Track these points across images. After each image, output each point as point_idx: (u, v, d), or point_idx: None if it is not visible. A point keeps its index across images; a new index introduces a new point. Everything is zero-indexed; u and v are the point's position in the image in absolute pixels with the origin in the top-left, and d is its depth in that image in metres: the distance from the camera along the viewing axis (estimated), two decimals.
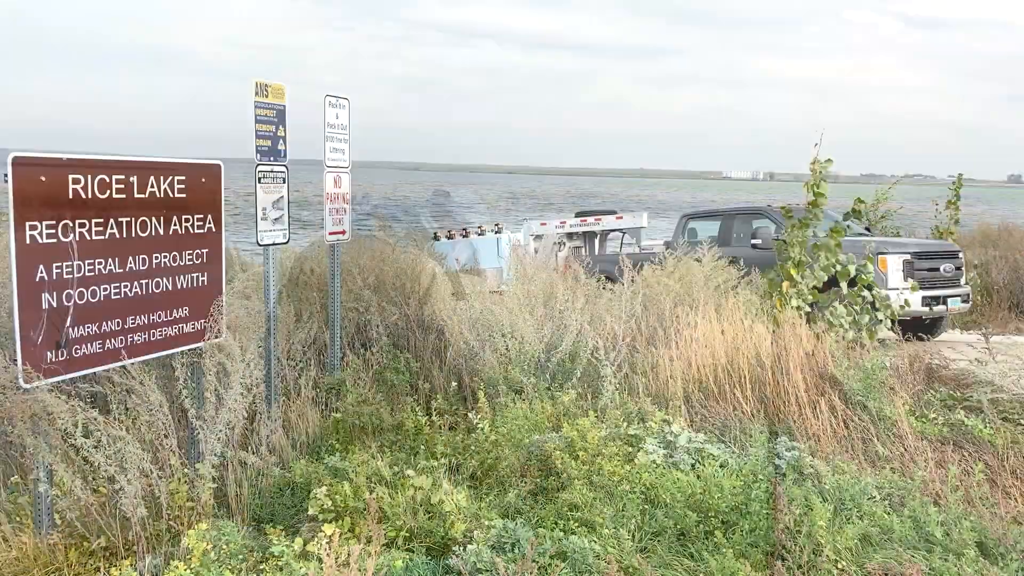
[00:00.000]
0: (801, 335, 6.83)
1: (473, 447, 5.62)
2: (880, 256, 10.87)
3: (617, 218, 15.71)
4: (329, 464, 5.24)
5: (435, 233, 16.78)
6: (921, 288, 10.77)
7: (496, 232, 16.28)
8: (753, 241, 11.90)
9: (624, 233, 15.85)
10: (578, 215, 16.75)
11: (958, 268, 12.11)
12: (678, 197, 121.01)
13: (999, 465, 5.74)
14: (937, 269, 11.52)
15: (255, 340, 6.21)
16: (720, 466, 5.37)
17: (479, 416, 6.01)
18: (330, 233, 6.75)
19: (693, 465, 5.39)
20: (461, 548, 4.08)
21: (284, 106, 6.03)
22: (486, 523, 4.36)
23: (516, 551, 3.93)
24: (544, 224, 16.46)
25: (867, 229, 14.03)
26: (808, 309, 8.82)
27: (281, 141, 6.05)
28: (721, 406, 6.45)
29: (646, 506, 4.83)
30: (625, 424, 5.84)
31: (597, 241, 16.06)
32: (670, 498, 4.64)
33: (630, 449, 5.60)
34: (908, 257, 11.28)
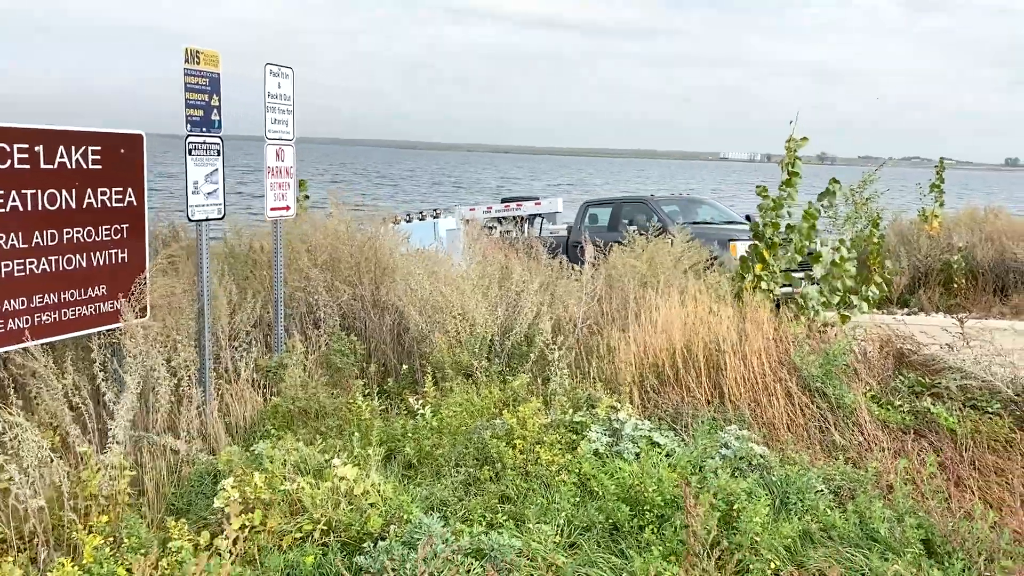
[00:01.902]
0: (762, 319, 6.57)
1: (411, 434, 5.38)
2: (731, 242, 11.73)
3: (536, 204, 16.71)
4: (255, 451, 4.99)
5: (409, 214, 17.48)
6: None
7: (434, 217, 16.93)
8: (631, 227, 12.67)
9: (543, 218, 16.67)
10: (503, 201, 17.74)
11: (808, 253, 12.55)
12: (671, 179, 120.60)
13: (959, 455, 5.51)
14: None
15: (188, 320, 5.96)
16: (666, 455, 5.13)
17: (420, 401, 5.76)
18: (272, 209, 6.45)
19: (638, 454, 5.16)
20: (371, 545, 3.83)
21: (218, 74, 5.73)
22: (405, 517, 4.11)
23: (430, 548, 3.68)
24: (473, 209, 17.36)
25: (747, 218, 14.83)
26: (779, 293, 8.58)
27: (215, 111, 5.75)
28: (676, 392, 6.21)
29: (585, 498, 4.60)
30: (572, 411, 5.59)
31: (526, 225, 16.70)
32: (602, 490, 4.39)
33: (575, 437, 5.36)
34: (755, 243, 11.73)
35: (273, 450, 4.98)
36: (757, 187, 9.22)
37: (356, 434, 5.28)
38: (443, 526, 3.94)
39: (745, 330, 6.48)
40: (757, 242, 8.86)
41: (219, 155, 5.82)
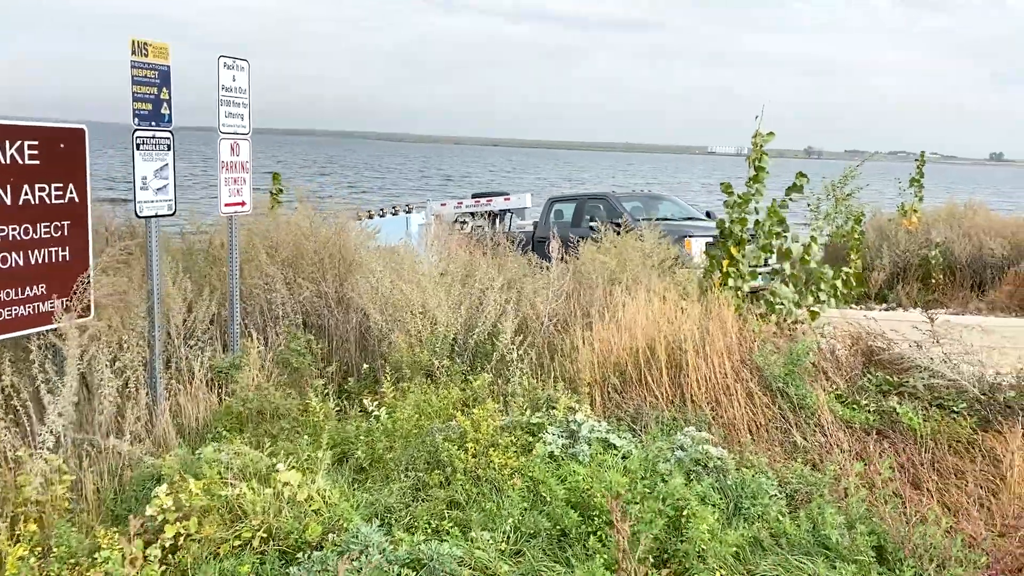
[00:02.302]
0: (726, 317, 6.48)
1: (363, 437, 5.26)
2: (686, 239, 12.01)
3: (506, 199, 16.94)
4: (201, 455, 4.87)
5: (382, 209, 17.65)
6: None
7: (406, 212, 17.23)
8: (590, 223, 13.00)
9: (511, 213, 16.93)
10: (474, 196, 18.02)
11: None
12: (662, 172, 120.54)
13: (920, 457, 5.43)
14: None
15: (139, 318, 5.82)
16: (622, 457, 5.04)
17: (374, 403, 5.64)
18: (226, 204, 6.31)
19: (594, 456, 5.06)
20: (307, 555, 3.72)
21: (168, 67, 5.58)
22: (345, 525, 4.00)
23: (364, 558, 3.58)
24: (444, 205, 17.69)
25: (707, 214, 15.42)
26: (747, 290, 8.50)
27: (165, 104, 5.61)
28: (638, 392, 6.11)
29: (537, 503, 4.49)
30: (529, 412, 5.48)
31: (498, 220, 16.95)
32: (550, 495, 4.29)
33: (531, 439, 5.26)
34: (709, 239, 12.02)
35: (219, 453, 4.87)
36: (722, 184, 9.13)
37: (305, 437, 5.17)
38: (384, 534, 3.83)
39: (708, 329, 6.38)
40: (725, 239, 8.77)
41: (170, 150, 5.68)
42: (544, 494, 4.34)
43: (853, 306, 15.85)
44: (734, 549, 3.85)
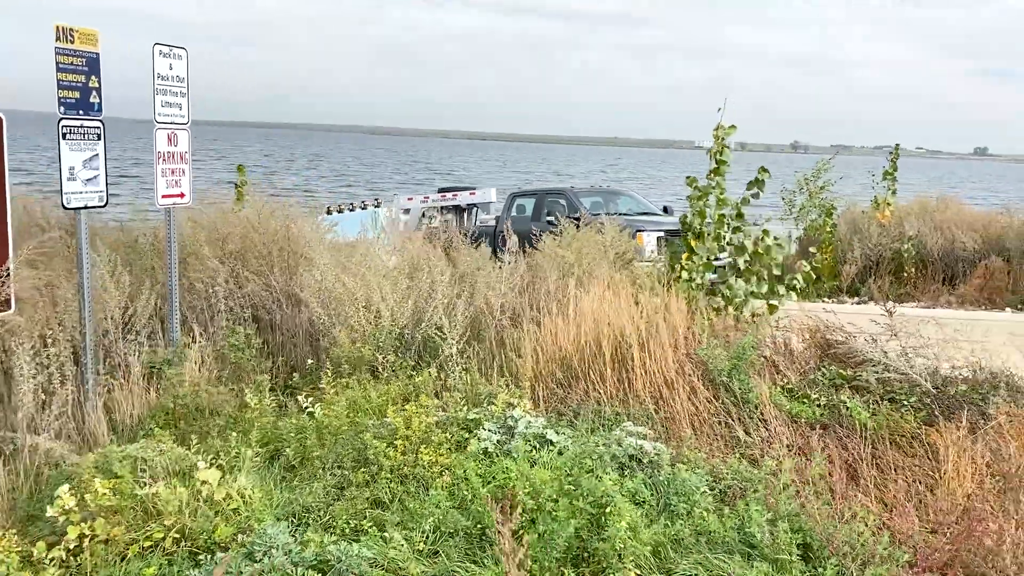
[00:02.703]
0: (675, 310, 6.39)
1: (295, 434, 5.15)
2: (638, 233, 12.17)
3: (471, 194, 17.02)
4: (126, 452, 4.74)
5: (328, 208, 17.60)
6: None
7: (375, 206, 17.14)
8: (548, 218, 13.15)
9: (477, 207, 17.05)
10: (440, 191, 18.17)
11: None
12: (644, 167, 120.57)
13: (862, 452, 5.35)
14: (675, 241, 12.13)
15: (73, 312, 5.69)
16: (558, 453, 4.94)
17: (309, 399, 5.53)
18: (163, 196, 6.17)
19: (528, 453, 4.96)
20: (208, 557, 3.61)
21: (96, 54, 5.44)
22: (255, 525, 3.89)
23: (267, 560, 3.46)
24: (411, 199, 17.76)
25: (664, 209, 15.76)
26: (707, 284, 8.42)
27: (94, 93, 5.46)
28: (584, 386, 6.01)
29: (464, 501, 4.39)
30: (468, 407, 5.38)
31: (466, 214, 17.05)
32: (471, 493, 4.19)
33: (468, 435, 5.15)
34: (661, 234, 12.67)
35: (144, 451, 4.75)
36: (687, 177, 9.04)
37: (233, 434, 5.05)
38: (292, 535, 3.72)
39: (656, 322, 6.29)
40: (686, 232, 8.69)
41: (100, 139, 5.54)
42: (465, 493, 4.23)
43: (826, 299, 15.85)
44: (652, 547, 3.76)
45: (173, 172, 6.21)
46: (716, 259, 8.69)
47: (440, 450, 4.87)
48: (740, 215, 8.62)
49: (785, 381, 6.83)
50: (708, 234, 8.42)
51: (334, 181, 59.63)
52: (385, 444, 4.76)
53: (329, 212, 17.95)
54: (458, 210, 16.91)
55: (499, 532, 2.77)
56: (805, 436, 5.59)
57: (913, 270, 15.62)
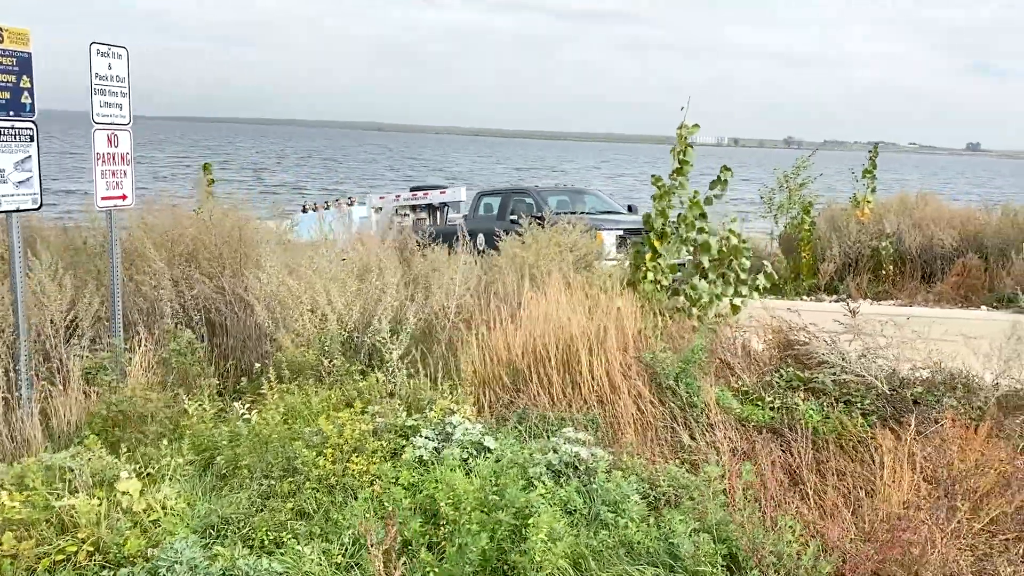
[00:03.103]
0: (626, 313, 6.30)
1: (227, 442, 5.05)
2: (598, 232, 12.13)
3: (442, 192, 17.11)
4: (53, 461, 4.64)
5: (326, 203, 18.46)
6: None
7: (348, 205, 17.69)
8: (511, 217, 13.37)
9: (447, 206, 17.15)
10: (412, 189, 18.18)
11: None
12: (646, 163, 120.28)
13: (805, 457, 5.27)
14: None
15: (7, 317, 5.59)
16: (495, 461, 4.85)
17: (245, 404, 5.43)
18: (103, 198, 6.05)
19: (466, 460, 4.87)
20: (111, 572, 3.52)
21: (28, 53, 5.33)
22: (165, 538, 3.80)
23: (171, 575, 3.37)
24: (383, 198, 17.93)
25: (629, 208, 15.89)
26: (667, 283, 8.35)
27: (26, 93, 5.35)
28: (532, 390, 5.92)
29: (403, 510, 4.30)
30: (407, 414, 5.29)
31: (439, 213, 17.11)
32: (392, 504, 4.10)
33: (405, 443, 5.06)
34: (620, 232, 12.85)
35: (74, 459, 4.65)
36: (652, 176, 8.95)
37: (164, 441, 4.96)
38: (203, 549, 3.63)
39: (606, 325, 6.21)
40: (649, 232, 8.61)
41: (32, 141, 5.43)
42: (386, 503, 4.14)
43: (804, 298, 15.79)
44: (572, 559, 3.67)
45: (114, 174, 6.10)
46: (679, 259, 8.62)
47: (373, 458, 4.79)
48: (703, 214, 8.54)
49: (740, 383, 6.76)
50: (671, 234, 8.34)
51: (326, 179, 59.51)
52: (315, 453, 4.67)
53: (304, 210, 18.16)
54: (431, 209, 16.93)
55: (371, 555, 2.68)
56: (751, 441, 5.51)
57: (891, 268, 15.55)
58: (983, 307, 13.73)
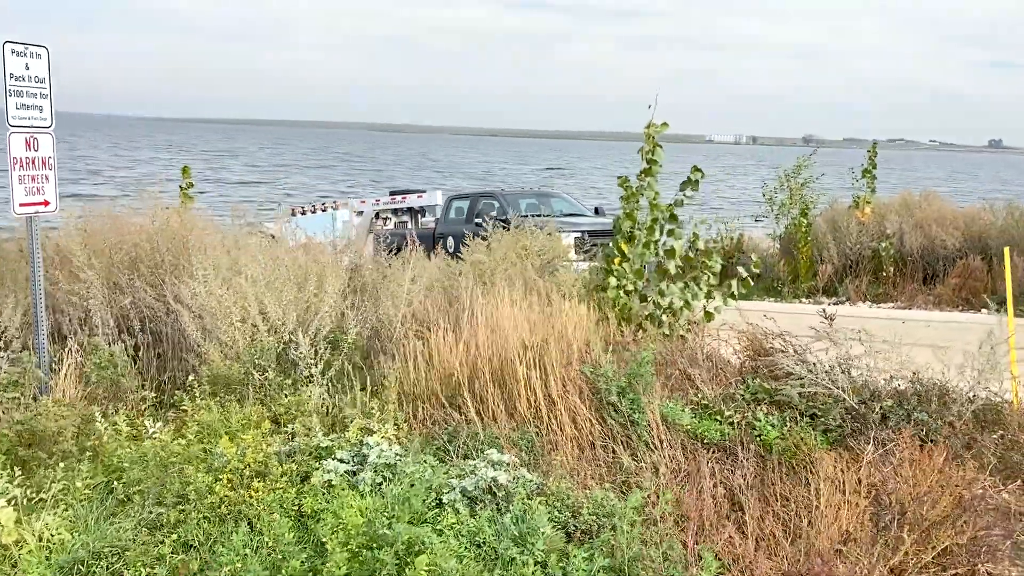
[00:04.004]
0: (569, 323, 5.96)
1: (132, 464, 4.75)
2: (558, 233, 12.16)
3: (419, 197, 17.51)
4: None
5: (292, 209, 18.72)
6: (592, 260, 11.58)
7: (333, 208, 18.00)
8: (476, 220, 13.83)
9: (424, 210, 17.50)
10: (391, 193, 18.60)
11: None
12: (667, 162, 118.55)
13: (751, 479, 4.91)
14: (607, 244, 12.19)
15: None
16: (410, 485, 4.52)
17: (157, 422, 5.14)
18: (21, 204, 5.77)
19: (380, 484, 4.55)
20: None
21: None
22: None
23: None
24: (364, 202, 18.39)
25: (596, 211, 16.40)
26: (631, 289, 7.96)
27: None
28: (473, 406, 5.58)
29: (293, 542, 3.98)
30: (321, 433, 4.97)
31: (419, 216, 17.45)
32: (273, 539, 3.77)
33: (319, 465, 4.75)
34: (578, 234, 13.28)
35: None
36: (619, 178, 8.58)
37: (62, 464, 4.66)
38: None
39: (546, 337, 5.87)
40: (616, 235, 8.24)
41: None
42: (265, 534, 3.82)
43: (803, 300, 15.35)
44: None
45: (34, 179, 5.82)
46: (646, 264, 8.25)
47: (278, 484, 4.47)
48: (673, 217, 8.16)
49: (700, 396, 6.40)
50: (638, 238, 7.97)
51: (339, 182, 59.39)
52: (212, 477, 4.36)
53: (293, 213, 18.43)
54: (412, 212, 17.24)
55: None
56: (696, 460, 5.16)
57: (892, 269, 15.09)
58: (983, 310, 13.23)
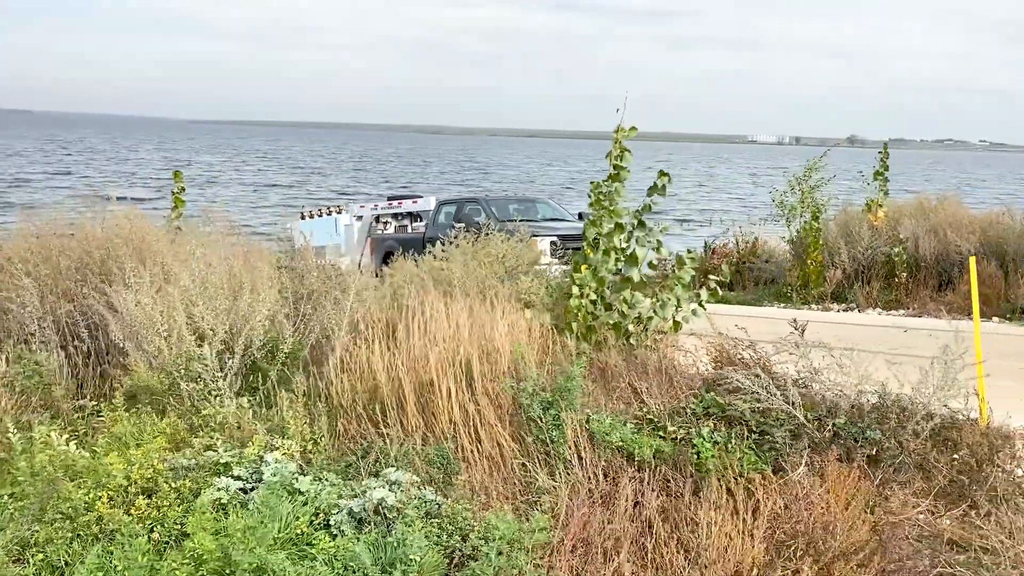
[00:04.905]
0: (508, 334, 5.76)
1: (30, 478, 4.65)
2: (532, 238, 12.48)
3: (414, 202, 17.63)
4: None
5: (319, 210, 19.09)
6: (565, 264, 11.51)
7: (337, 212, 18.35)
8: (459, 225, 13.82)
9: (419, 216, 17.58)
10: (389, 199, 18.90)
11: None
12: (696, 163, 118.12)
13: (677, 500, 4.66)
14: (579, 248, 12.02)
15: None
16: (303, 504, 4.37)
17: (65, 434, 5.03)
18: None
19: (265, 505, 4.39)
20: None
21: None
22: None
23: None
24: (363, 207, 18.70)
25: (580, 216, 16.19)
26: (596, 298, 7.73)
27: None
28: (394, 419, 5.41)
29: (167, 562, 3.84)
30: (223, 449, 4.82)
31: (415, 221, 17.57)
32: (124, 563, 3.63)
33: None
34: (554, 238, 13.61)
35: None
36: (592, 183, 8.34)
37: None
38: None
39: (485, 348, 5.67)
40: (585, 242, 8.01)
41: None
42: (118, 562, 3.67)
43: (813, 306, 14.93)
44: None
45: None
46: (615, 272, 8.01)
47: (166, 501, 4.34)
48: (641, 223, 7.91)
49: (646, 410, 6.17)
50: (601, 246, 7.73)
51: (380, 186, 59.69)
52: (94, 494, 4.24)
53: (303, 217, 18.77)
54: (412, 216, 17.41)
55: None
56: (619, 481, 4.91)
57: (905, 275, 14.61)
58: (994, 318, 12.73)
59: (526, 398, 5.18)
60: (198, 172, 63.06)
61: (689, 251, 8.01)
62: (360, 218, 17.93)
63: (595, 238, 7.85)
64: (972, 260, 7.22)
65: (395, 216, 17.57)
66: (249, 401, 5.39)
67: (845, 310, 14.60)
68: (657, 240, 7.65)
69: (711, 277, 7.96)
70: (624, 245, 7.67)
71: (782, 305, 15.19)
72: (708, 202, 51.34)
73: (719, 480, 4.91)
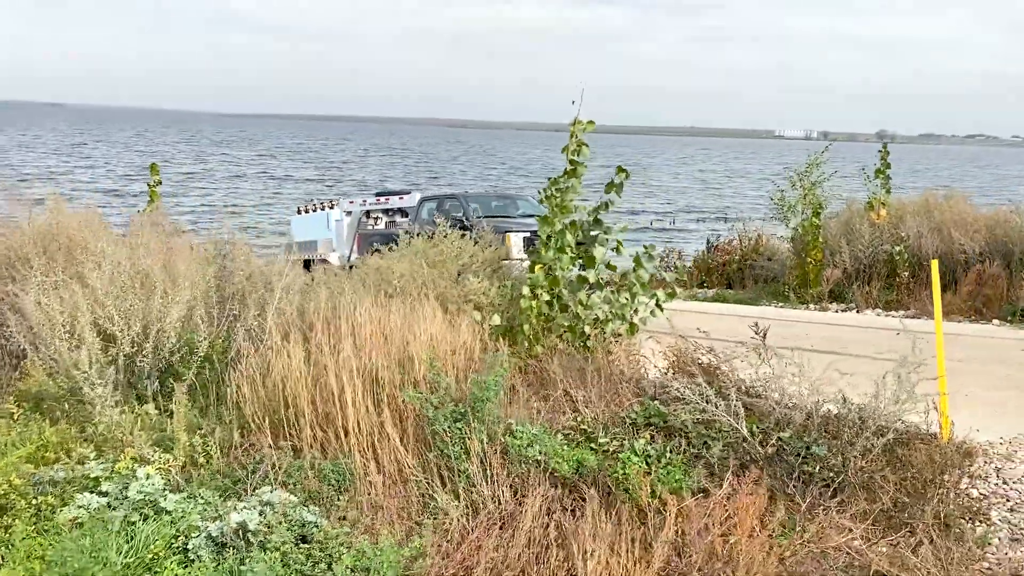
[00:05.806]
0: (417, 339, 5.39)
1: None
2: (506, 234, 12.75)
3: (401, 198, 17.54)
4: None
5: (314, 205, 19.29)
6: None
7: (329, 208, 18.30)
8: (432, 221, 13.91)
9: (405, 212, 17.51)
10: (377, 195, 18.71)
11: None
12: (725, 159, 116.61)
13: (585, 523, 4.27)
14: None
15: None
16: (170, 524, 4.04)
17: None
18: None
19: (135, 523, 4.06)
20: None
21: None
22: None
23: None
24: (352, 202, 18.47)
25: None
26: (548, 299, 7.34)
27: None
28: (306, 433, 5.06)
29: None
30: (96, 462, 4.50)
31: (401, 216, 17.48)
32: None
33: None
34: (527, 234, 13.25)
35: None
36: (550, 179, 7.94)
37: None
38: None
39: (404, 353, 5.32)
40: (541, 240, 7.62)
41: None
42: None
43: (811, 306, 14.41)
44: None
45: None
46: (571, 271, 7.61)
47: (20, 518, 4.03)
48: (597, 221, 7.50)
49: (580, 420, 5.78)
50: (553, 244, 7.33)
51: (405, 180, 59.52)
52: None
53: (298, 212, 18.86)
54: (402, 212, 17.34)
55: None
56: (520, 502, 4.53)
57: (907, 275, 14.05)
58: (995, 321, 12.15)
59: (430, 410, 4.80)
60: (220, 165, 63.40)
61: (646, 248, 7.58)
62: (349, 213, 17.91)
63: (548, 236, 7.46)
64: (934, 263, 6.75)
65: (386, 212, 17.53)
66: (158, 408, 5.06)
67: (844, 310, 14.09)
68: (618, 240, 7.24)
69: (665, 275, 7.54)
70: (577, 243, 7.28)
71: (779, 304, 14.71)
72: (738, 199, 50.26)
73: (631, 501, 4.52)
